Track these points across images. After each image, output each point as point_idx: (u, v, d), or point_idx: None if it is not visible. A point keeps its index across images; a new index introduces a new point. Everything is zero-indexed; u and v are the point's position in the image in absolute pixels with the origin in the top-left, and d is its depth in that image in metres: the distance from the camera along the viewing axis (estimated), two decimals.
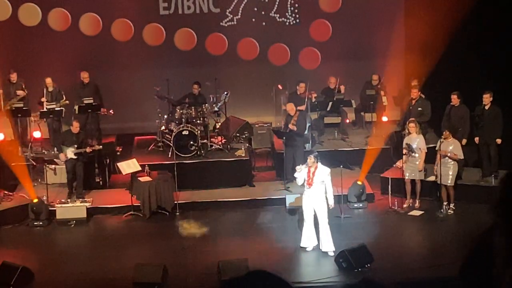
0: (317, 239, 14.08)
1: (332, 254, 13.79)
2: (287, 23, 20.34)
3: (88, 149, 16.30)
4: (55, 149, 16.72)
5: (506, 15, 16.74)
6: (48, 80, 18.06)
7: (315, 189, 13.89)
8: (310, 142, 17.59)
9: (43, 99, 17.85)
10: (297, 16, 20.31)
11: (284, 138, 16.66)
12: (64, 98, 18.14)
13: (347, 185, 15.99)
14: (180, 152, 17.05)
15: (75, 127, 16.39)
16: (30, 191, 16.16)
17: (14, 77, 18.12)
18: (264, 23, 20.26)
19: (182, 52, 20.31)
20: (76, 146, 16.23)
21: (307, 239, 14.10)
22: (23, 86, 18.17)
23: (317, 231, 14.10)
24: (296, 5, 20.25)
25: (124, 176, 16.45)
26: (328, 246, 13.91)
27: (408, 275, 13.15)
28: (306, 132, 17.27)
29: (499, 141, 15.95)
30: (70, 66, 19.16)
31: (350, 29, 20.23)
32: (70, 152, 16.16)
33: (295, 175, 14.16)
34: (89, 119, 18.29)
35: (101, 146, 16.90)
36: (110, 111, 18.26)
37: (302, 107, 17.48)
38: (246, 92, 19.83)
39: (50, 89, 18.06)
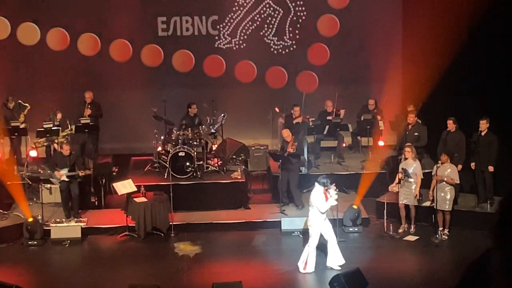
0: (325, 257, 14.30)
1: (339, 268, 13.95)
2: (285, 46, 20.43)
3: (80, 173, 16.28)
4: (49, 171, 16.70)
5: (502, 42, 16.81)
6: (59, 116, 18.09)
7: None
8: (306, 166, 17.62)
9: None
10: (295, 39, 20.40)
11: (280, 161, 16.67)
12: (70, 127, 18.12)
13: (343, 209, 15.99)
14: (176, 173, 17.04)
15: (65, 150, 16.35)
16: (25, 210, 16.13)
17: (11, 106, 18.17)
18: (262, 46, 20.34)
19: (179, 74, 20.37)
20: (68, 169, 16.20)
21: (310, 265, 14.16)
22: (21, 104, 18.16)
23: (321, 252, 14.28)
24: (294, 28, 20.34)
25: (119, 196, 16.42)
26: (340, 259, 14.14)
27: None
28: (304, 154, 17.34)
29: (491, 168, 15.96)
30: (68, 86, 19.23)
31: (348, 53, 20.33)
32: (63, 175, 16.15)
33: (330, 203, 13.97)
34: (88, 139, 18.30)
35: (91, 171, 16.85)
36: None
37: (299, 119, 17.77)
38: (243, 114, 19.88)
39: (56, 122, 18.08)
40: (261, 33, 20.36)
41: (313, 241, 14.03)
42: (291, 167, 16.60)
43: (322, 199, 13.85)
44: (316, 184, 14.08)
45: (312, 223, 14.05)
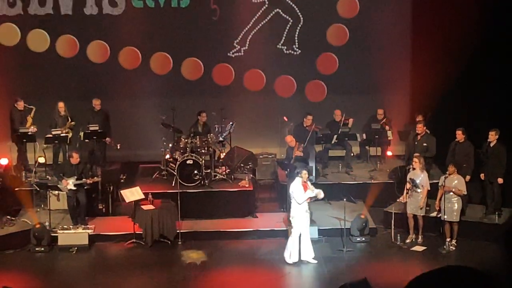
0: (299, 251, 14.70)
1: (313, 261, 14.41)
2: (294, 55, 20.41)
3: (88, 181, 16.29)
4: (55, 179, 16.72)
5: None
6: (61, 105, 18.14)
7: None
8: (314, 175, 17.57)
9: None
10: (304, 48, 20.37)
11: (288, 170, 16.66)
12: (70, 119, 18.19)
13: (350, 219, 15.97)
14: (184, 181, 17.04)
15: (75, 158, 16.33)
16: (33, 216, 16.16)
17: (21, 105, 18.19)
18: (271, 55, 20.33)
19: (188, 82, 20.37)
20: (76, 177, 16.21)
21: (294, 255, 14.54)
22: (26, 107, 18.21)
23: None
24: (304, 37, 20.32)
25: (127, 204, 16.41)
26: (311, 253, 14.60)
27: None
28: (312, 162, 17.35)
29: (500, 180, 15.90)
30: (77, 93, 19.26)
31: (357, 63, 20.29)
32: (70, 183, 16.15)
33: (307, 195, 14.32)
34: (96, 146, 18.31)
35: (99, 178, 16.88)
36: (118, 145, 18.26)
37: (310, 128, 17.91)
38: (252, 123, 19.88)
39: (62, 113, 18.15)
40: (270, 42, 20.34)
41: (295, 232, 14.49)
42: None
43: (299, 191, 14.27)
44: (296, 177, 14.54)
45: (294, 214, 14.54)
